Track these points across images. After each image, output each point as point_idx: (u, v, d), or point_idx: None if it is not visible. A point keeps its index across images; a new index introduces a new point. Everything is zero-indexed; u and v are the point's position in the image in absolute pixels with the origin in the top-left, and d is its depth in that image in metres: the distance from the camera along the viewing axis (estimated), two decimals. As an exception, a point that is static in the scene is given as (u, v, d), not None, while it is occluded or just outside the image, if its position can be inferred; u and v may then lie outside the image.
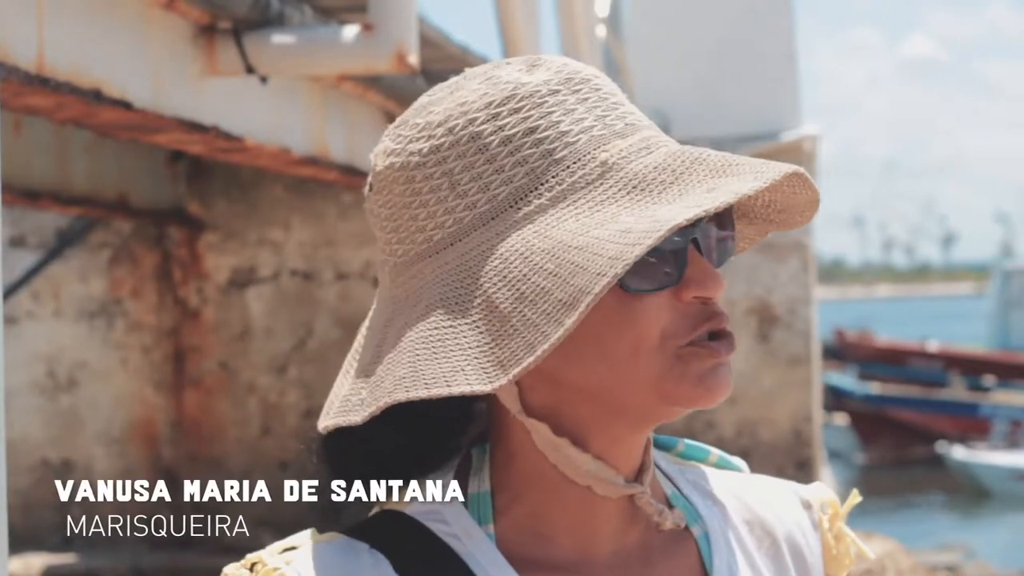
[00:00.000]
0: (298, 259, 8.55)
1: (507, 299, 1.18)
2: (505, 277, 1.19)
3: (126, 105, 4.26)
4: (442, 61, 6.39)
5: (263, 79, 4.91)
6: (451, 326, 1.20)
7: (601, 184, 1.21)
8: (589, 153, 1.22)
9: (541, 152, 1.22)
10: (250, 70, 4.68)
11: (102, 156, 7.23)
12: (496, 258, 1.20)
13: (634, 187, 1.20)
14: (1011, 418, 24.50)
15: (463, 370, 1.18)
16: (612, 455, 1.26)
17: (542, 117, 1.23)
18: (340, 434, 1.27)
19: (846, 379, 27.68)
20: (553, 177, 1.22)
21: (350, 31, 4.61)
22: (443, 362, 1.19)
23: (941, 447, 22.23)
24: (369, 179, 1.32)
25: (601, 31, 8.99)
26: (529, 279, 1.18)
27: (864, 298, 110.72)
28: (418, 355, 1.21)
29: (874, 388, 26.06)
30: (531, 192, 1.22)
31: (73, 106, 4.20)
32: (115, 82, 4.19)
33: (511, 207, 1.22)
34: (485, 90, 1.26)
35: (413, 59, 4.54)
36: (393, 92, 6.29)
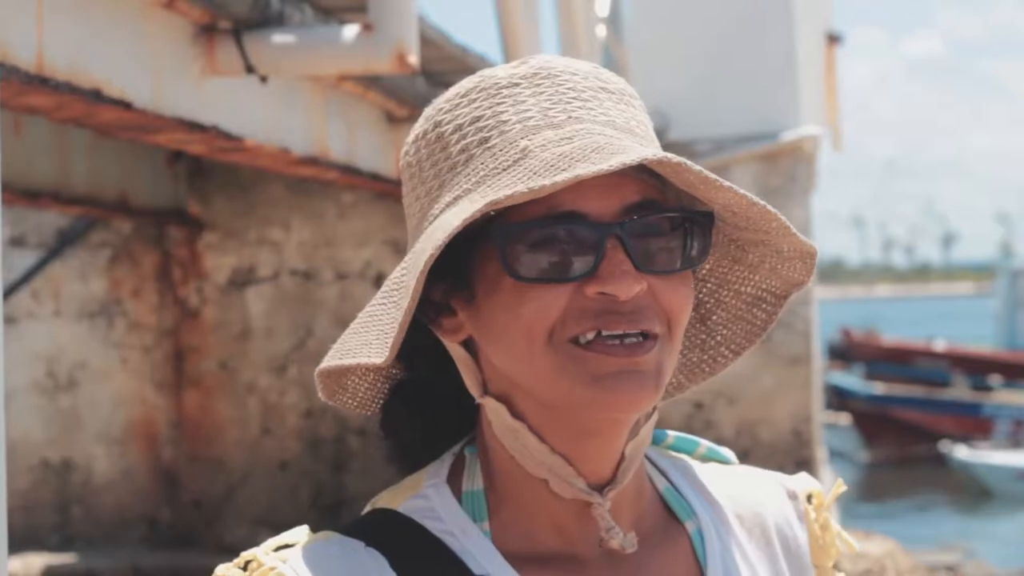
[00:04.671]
0: (298, 259, 8.55)
1: (408, 276, 1.23)
2: (416, 255, 1.23)
3: (126, 105, 4.26)
4: (442, 61, 6.39)
5: (263, 79, 4.91)
6: (383, 304, 1.26)
7: (513, 170, 1.21)
8: (515, 141, 1.23)
9: (479, 139, 1.24)
10: (250, 70, 4.68)
11: (102, 156, 7.23)
12: (422, 239, 1.24)
13: (535, 173, 1.19)
14: (1014, 418, 24.50)
15: (370, 344, 1.24)
16: (573, 456, 1.25)
17: (490, 107, 1.25)
18: (387, 416, 1.33)
19: (850, 379, 27.73)
20: (481, 164, 1.23)
21: (350, 31, 4.61)
22: (362, 336, 1.25)
23: (944, 447, 22.23)
24: None
25: (601, 31, 8.99)
26: (420, 256, 1.21)
27: (864, 298, 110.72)
28: (352, 329, 1.27)
29: (878, 388, 26.08)
30: (464, 177, 1.24)
31: (73, 106, 4.19)
32: (115, 82, 4.19)
33: (448, 192, 1.24)
34: (462, 83, 1.29)
35: (413, 59, 4.53)
36: (393, 92, 6.29)
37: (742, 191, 1.22)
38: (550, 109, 1.24)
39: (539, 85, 1.26)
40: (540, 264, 1.20)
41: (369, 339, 1.23)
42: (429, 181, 1.26)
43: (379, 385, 1.33)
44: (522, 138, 1.22)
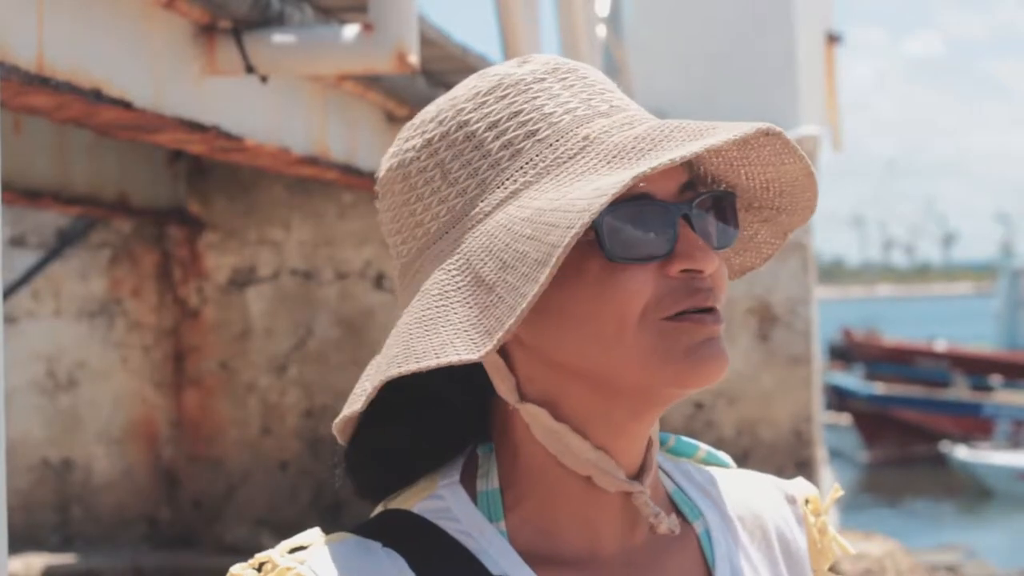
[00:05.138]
0: (298, 259, 8.55)
1: (492, 270, 1.20)
2: (490, 250, 1.21)
3: (126, 105, 4.26)
4: (442, 61, 6.39)
5: (263, 79, 4.91)
6: (443, 305, 1.22)
7: (582, 157, 1.22)
8: (572, 131, 1.24)
9: (525, 133, 1.25)
10: (250, 70, 4.67)
11: (102, 156, 7.23)
12: (483, 235, 1.22)
13: (614, 156, 1.21)
14: (1014, 418, 24.53)
15: (452, 343, 1.20)
16: (613, 447, 1.26)
17: (527, 102, 1.26)
18: (357, 439, 1.30)
19: (850, 379, 27.79)
20: (537, 155, 1.24)
21: (350, 31, 4.60)
22: (433, 337, 1.21)
23: (944, 447, 22.26)
24: (376, 189, 1.34)
25: (601, 31, 8.98)
26: (510, 247, 1.20)
27: (864, 298, 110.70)
28: (412, 334, 1.23)
29: (878, 388, 26.13)
30: (516, 171, 1.24)
31: (73, 106, 4.19)
32: (115, 82, 4.18)
33: (498, 187, 1.24)
34: (474, 83, 1.28)
35: (413, 59, 4.53)
36: (393, 92, 6.29)
37: (808, 161, 1.28)
38: (590, 100, 1.26)
39: (565, 79, 1.27)
40: (632, 245, 1.22)
41: (447, 339, 1.20)
42: (462, 181, 1.25)
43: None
44: (577, 127, 1.24)
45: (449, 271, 1.23)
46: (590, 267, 1.22)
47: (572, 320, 1.23)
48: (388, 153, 1.31)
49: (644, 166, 1.18)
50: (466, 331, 1.20)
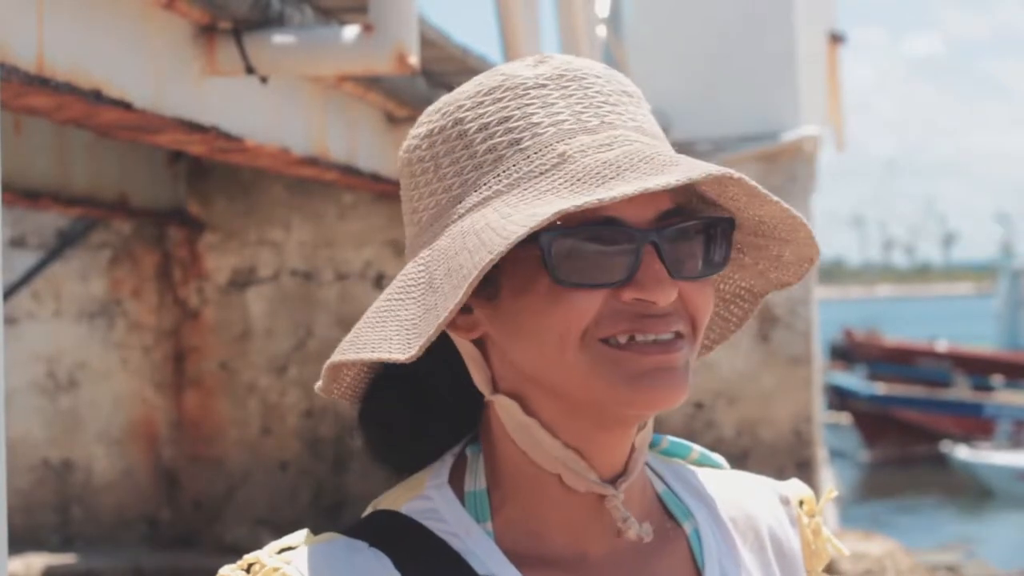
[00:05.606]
0: (298, 259, 8.55)
1: (441, 275, 1.22)
2: (446, 254, 1.23)
3: (126, 105, 4.26)
4: (442, 61, 6.39)
5: (263, 79, 4.91)
6: (400, 299, 1.25)
7: (553, 174, 1.22)
8: (551, 145, 1.24)
9: (509, 140, 1.25)
10: (250, 70, 4.67)
11: (102, 156, 7.23)
12: (449, 237, 1.24)
13: (578, 179, 1.21)
14: (1015, 418, 24.52)
15: (391, 339, 1.23)
16: (585, 450, 1.26)
17: (518, 108, 1.26)
18: (367, 413, 1.33)
19: (851, 379, 27.81)
20: (513, 165, 1.24)
21: (350, 31, 4.60)
22: (379, 330, 1.24)
23: (945, 447, 22.26)
24: None
25: (601, 31, 8.98)
26: (456, 256, 1.21)
27: (865, 298, 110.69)
28: (366, 322, 1.26)
29: (879, 388, 26.14)
30: (493, 178, 1.24)
31: (73, 106, 4.19)
32: (115, 82, 4.18)
33: (475, 191, 1.24)
34: (481, 80, 1.29)
35: (413, 59, 4.53)
36: (393, 92, 6.29)
37: (786, 204, 1.25)
38: (582, 113, 1.25)
39: (566, 87, 1.27)
40: (582, 269, 1.21)
41: (388, 334, 1.23)
42: (449, 179, 1.26)
43: (363, 376, 1.33)
44: (558, 141, 1.24)
45: (418, 264, 1.26)
46: (540, 283, 1.22)
47: (522, 331, 1.24)
48: (408, 135, 1.33)
49: (587, 198, 1.17)
50: (407, 330, 1.22)
